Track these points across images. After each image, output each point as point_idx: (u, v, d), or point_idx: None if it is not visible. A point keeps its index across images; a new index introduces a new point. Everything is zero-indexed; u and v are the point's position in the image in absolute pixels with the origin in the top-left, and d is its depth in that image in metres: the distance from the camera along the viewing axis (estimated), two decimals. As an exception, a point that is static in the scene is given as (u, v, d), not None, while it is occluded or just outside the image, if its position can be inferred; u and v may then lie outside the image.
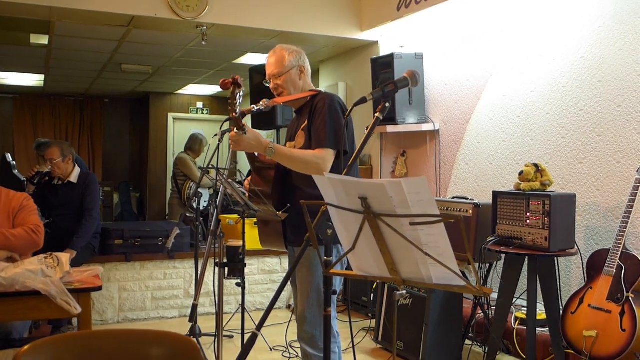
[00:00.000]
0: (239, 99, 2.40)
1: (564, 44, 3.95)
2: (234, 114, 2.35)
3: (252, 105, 2.48)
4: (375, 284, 4.30)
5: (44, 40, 5.96)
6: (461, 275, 1.41)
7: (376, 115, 1.85)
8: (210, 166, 2.61)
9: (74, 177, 4.57)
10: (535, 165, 3.42)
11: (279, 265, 5.52)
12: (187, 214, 5.43)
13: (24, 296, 2.42)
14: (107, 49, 6.38)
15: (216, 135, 3.35)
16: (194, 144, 6.71)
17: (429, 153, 5.04)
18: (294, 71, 2.67)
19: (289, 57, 2.66)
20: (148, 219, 10.18)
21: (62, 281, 2.45)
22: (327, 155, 2.45)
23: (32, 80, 8.80)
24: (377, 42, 5.64)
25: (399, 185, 1.35)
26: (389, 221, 1.42)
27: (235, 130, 2.39)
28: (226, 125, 2.93)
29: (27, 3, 4.54)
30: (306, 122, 2.60)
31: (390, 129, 4.93)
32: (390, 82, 1.88)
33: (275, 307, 5.41)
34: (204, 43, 5.30)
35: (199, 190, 4.64)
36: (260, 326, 1.82)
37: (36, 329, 3.73)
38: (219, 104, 10.62)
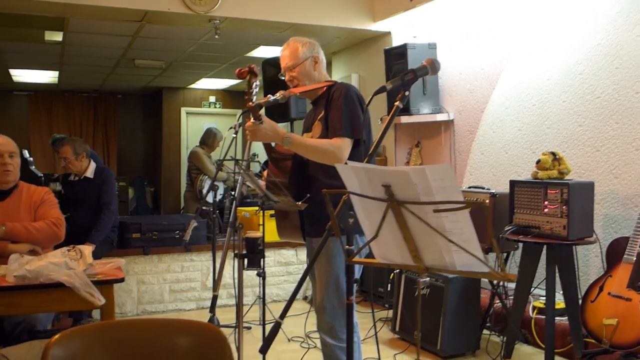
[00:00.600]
0: (255, 88, 2.41)
1: (579, 31, 3.91)
2: (250, 104, 2.36)
3: (269, 95, 2.49)
4: (393, 274, 4.31)
5: (58, 37, 6.01)
6: (487, 261, 1.42)
7: (396, 104, 1.85)
8: (229, 158, 2.62)
9: (89, 173, 4.61)
10: (553, 154, 3.41)
11: (294, 257, 5.55)
12: (204, 207, 5.48)
13: (48, 288, 2.45)
14: (121, 44, 6.41)
15: (231, 128, 3.37)
16: (208, 138, 6.74)
17: (444, 143, 5.03)
18: (308, 62, 2.68)
19: (302, 49, 2.67)
20: (163, 213, 10.25)
21: (85, 273, 2.48)
22: (344, 144, 2.46)
23: (46, 77, 8.87)
24: (389, 33, 5.62)
25: (423, 172, 1.36)
26: (413, 208, 1.43)
27: (251, 120, 2.41)
28: (244, 118, 2.95)
29: (41, 0, 4.57)
30: (323, 113, 2.61)
31: (404, 119, 4.93)
32: (410, 70, 1.88)
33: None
34: (216, 37, 5.31)
35: (215, 183, 4.67)
36: (283, 315, 1.83)
37: (57, 321, 3.77)
38: (231, 98, 10.64)
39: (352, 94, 2.56)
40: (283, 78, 2.74)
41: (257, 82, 2.43)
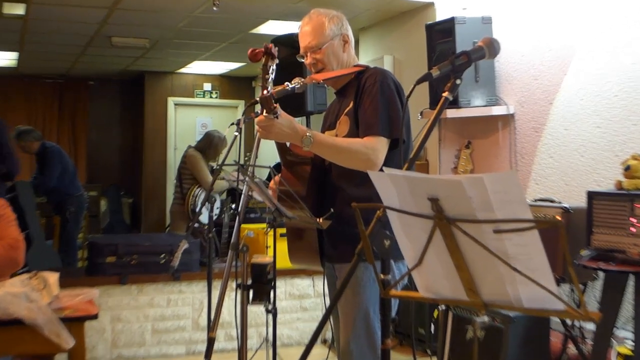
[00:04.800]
0: (272, 73, 2.43)
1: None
2: (264, 92, 2.38)
3: (286, 83, 2.51)
4: (437, 312, 4.29)
5: (19, 9, 6.10)
6: (561, 295, 1.41)
7: (444, 95, 1.87)
8: (233, 162, 2.64)
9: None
10: (644, 158, 3.38)
11: (311, 288, 5.55)
12: (197, 224, 5.50)
13: (4, 326, 2.48)
14: (95, 18, 6.49)
15: (232, 124, 3.39)
16: (208, 148, 6.58)
17: (502, 143, 5.01)
18: (336, 42, 2.70)
19: (329, 24, 2.69)
20: (143, 230, 10.33)
21: (50, 307, 2.51)
22: (379, 145, 2.47)
23: (3, 59, 9.00)
24: (432, 4, 5.64)
25: (480, 182, 1.36)
26: (467, 228, 1.43)
27: (264, 113, 2.42)
28: (248, 112, 2.96)
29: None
30: (351, 105, 2.62)
31: (451, 113, 4.93)
32: (462, 52, 1.89)
33: (304, 341, 5.44)
34: (215, 9, 5.35)
35: (210, 194, 4.69)
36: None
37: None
38: (231, 86, 10.71)
39: (390, 82, 2.57)
40: (302, 61, 2.76)
41: (274, 67, 2.45)
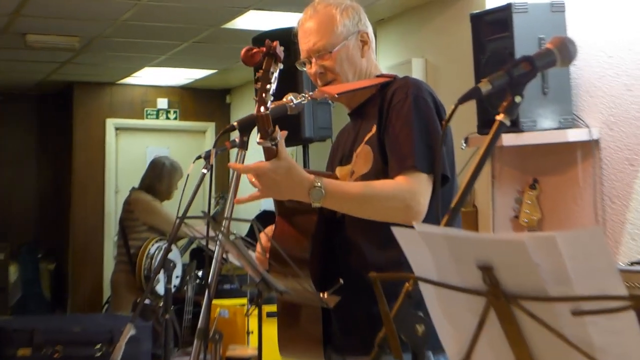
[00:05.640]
0: (274, 82, 2.45)
1: None
2: (261, 110, 2.39)
3: (290, 98, 2.54)
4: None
5: None
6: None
7: (498, 118, 1.87)
8: (201, 213, 2.64)
9: None
10: None
11: (311, 392, 5.52)
12: (147, 301, 5.49)
13: None
14: (3, 9, 6.54)
15: (199, 158, 3.40)
16: (158, 181, 6.67)
17: (582, 182, 5.01)
18: (352, 43, 2.74)
19: (342, 19, 2.73)
20: (71, 310, 10.28)
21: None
22: (420, 185, 2.50)
23: None
24: (480, -15, 5.69)
25: (551, 243, 1.36)
26: (534, 308, 1.43)
27: (259, 137, 2.45)
28: (222, 141, 2.98)
29: None
30: (374, 130, 2.66)
31: (509, 140, 4.92)
32: (524, 58, 1.90)
33: None
34: (172, -5, 5.41)
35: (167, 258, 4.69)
36: None
37: None
38: (197, 102, 10.74)
39: (426, 96, 2.62)
40: (303, 69, 2.79)
41: (277, 74, 2.49)
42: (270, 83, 2.48)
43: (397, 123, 2.57)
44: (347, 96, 2.77)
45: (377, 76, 2.78)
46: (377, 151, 2.62)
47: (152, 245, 6.42)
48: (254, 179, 2.51)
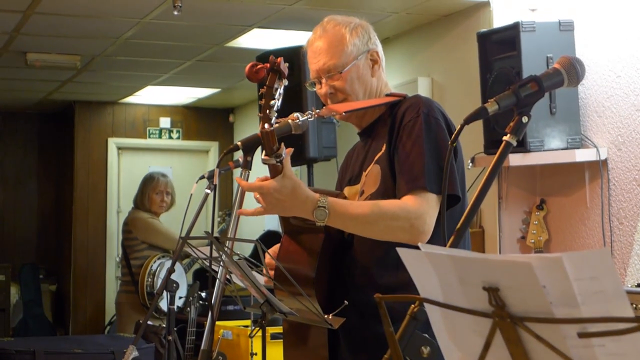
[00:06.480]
0: (279, 99, 2.45)
1: None
2: (265, 127, 2.39)
3: (296, 115, 2.54)
4: None
5: None
6: None
7: (505, 139, 1.87)
8: (204, 233, 2.63)
9: None
10: None
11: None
12: (150, 322, 5.48)
13: None
14: (3, 26, 6.55)
15: (203, 177, 3.39)
16: (139, 194, 6.84)
17: (590, 203, 5.00)
18: (362, 62, 2.76)
19: (351, 38, 2.75)
20: (73, 331, 10.28)
21: None
22: (428, 206, 2.51)
23: None
24: (487, 3, 5.69)
25: (558, 264, 1.36)
26: (541, 330, 1.43)
27: (264, 154, 2.44)
28: (226, 161, 2.97)
29: None
30: (384, 149, 2.67)
31: (516, 160, 4.93)
32: (531, 78, 1.90)
33: None
34: (176, 13, 5.41)
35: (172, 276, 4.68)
36: None
37: None
38: (200, 121, 10.76)
39: (437, 115, 2.62)
40: (313, 89, 2.79)
41: (281, 90, 2.49)
42: (274, 99, 2.48)
43: (407, 142, 2.58)
44: (357, 116, 2.79)
45: (387, 95, 2.79)
46: (387, 170, 2.64)
47: (154, 262, 6.43)
48: (258, 196, 2.50)
